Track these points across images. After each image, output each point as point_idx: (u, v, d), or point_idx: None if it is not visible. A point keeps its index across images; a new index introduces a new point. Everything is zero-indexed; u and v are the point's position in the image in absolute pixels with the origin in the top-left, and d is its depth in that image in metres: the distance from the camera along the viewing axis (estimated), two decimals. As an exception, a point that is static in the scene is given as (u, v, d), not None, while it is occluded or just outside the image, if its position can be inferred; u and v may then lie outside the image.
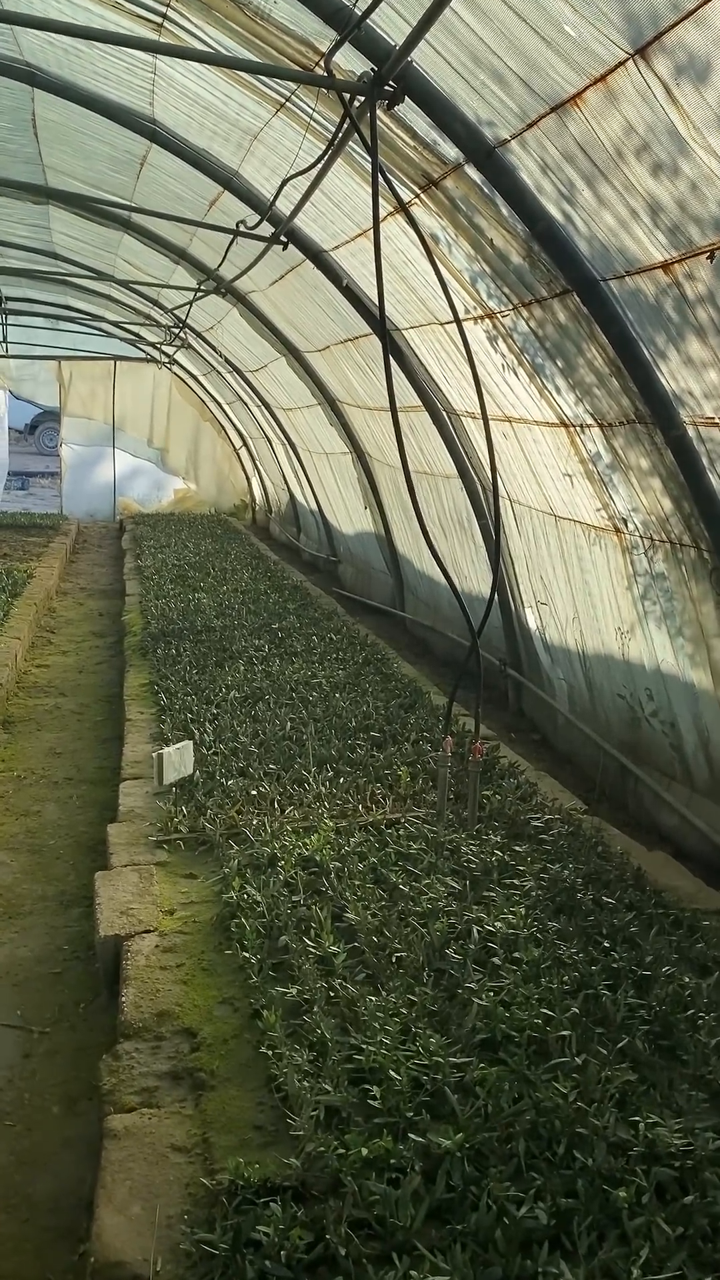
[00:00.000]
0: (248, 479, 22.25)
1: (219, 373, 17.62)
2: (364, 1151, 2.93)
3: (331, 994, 3.74)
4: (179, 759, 5.40)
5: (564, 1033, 3.49)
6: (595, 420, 5.34)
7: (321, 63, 4.26)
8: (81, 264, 14.34)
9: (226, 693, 7.64)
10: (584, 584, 6.62)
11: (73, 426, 22.04)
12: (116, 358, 21.44)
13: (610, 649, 6.51)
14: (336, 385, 11.04)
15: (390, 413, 4.22)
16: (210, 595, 11.67)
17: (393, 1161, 2.94)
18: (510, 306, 5.37)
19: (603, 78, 3.45)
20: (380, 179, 4.81)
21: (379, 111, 4.11)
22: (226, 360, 15.51)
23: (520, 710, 8.70)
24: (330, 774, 6.01)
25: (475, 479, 8.25)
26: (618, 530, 5.88)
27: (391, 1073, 3.26)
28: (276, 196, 6.24)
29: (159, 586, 12.25)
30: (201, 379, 20.18)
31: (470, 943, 4.10)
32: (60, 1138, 3.63)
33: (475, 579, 9.15)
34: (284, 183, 5.97)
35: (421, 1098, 3.22)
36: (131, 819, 5.55)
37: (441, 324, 6.54)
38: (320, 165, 5.33)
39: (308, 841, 4.93)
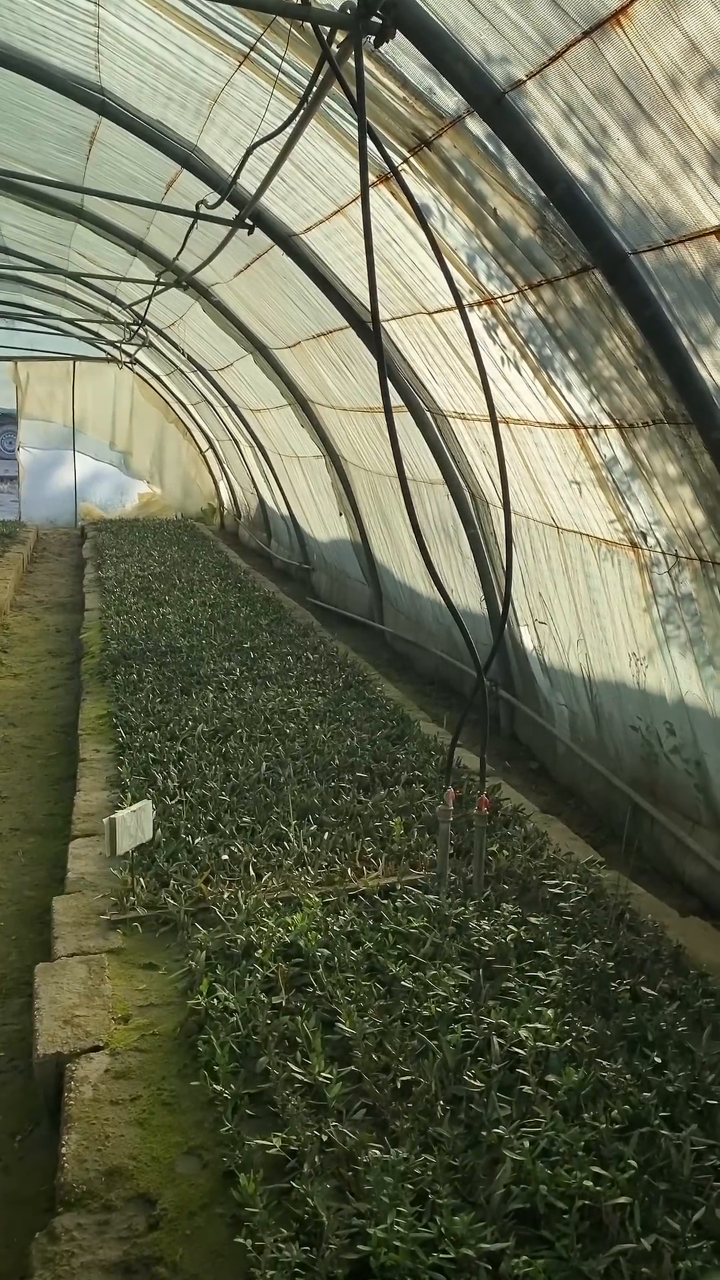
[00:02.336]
0: (215, 483, 21.44)
1: (183, 372, 16.81)
2: None
3: (326, 1143, 2.99)
4: (135, 823, 4.63)
5: (621, 1199, 2.75)
6: (613, 420, 4.61)
7: (293, -8, 3.51)
8: (33, 258, 13.49)
9: (194, 726, 6.86)
10: (591, 603, 5.90)
11: (31, 429, 21.14)
12: (76, 357, 20.58)
13: (622, 676, 5.79)
14: (308, 384, 10.27)
15: (385, 415, 3.46)
16: (176, 610, 10.87)
17: None
18: (514, 290, 4.63)
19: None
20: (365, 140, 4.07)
21: (365, 51, 3.35)
22: (190, 359, 14.70)
23: (513, 735, 7.98)
24: (313, 827, 5.25)
25: (463, 485, 7.52)
26: (634, 545, 5.16)
27: (407, 1272, 2.51)
28: (241, 167, 5.47)
29: (121, 600, 11.44)
30: (165, 379, 19.36)
31: (492, 1060, 3.35)
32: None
33: (462, 592, 8.42)
34: (249, 151, 5.20)
35: (447, 1304, 2.47)
36: (81, 889, 4.77)
37: (430, 313, 5.79)
38: (292, 127, 4.57)
39: (290, 921, 4.17)
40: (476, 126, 3.89)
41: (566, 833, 5.57)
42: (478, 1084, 3.21)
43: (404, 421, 7.97)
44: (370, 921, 4.26)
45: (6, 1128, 3.64)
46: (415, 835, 5.19)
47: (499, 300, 4.81)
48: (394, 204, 5.03)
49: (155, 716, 7.17)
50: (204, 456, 21.26)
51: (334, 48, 3.51)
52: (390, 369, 7.45)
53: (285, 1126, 3.07)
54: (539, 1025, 3.47)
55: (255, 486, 16.78)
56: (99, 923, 4.42)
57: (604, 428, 4.74)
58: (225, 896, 4.48)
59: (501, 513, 6.89)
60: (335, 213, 5.85)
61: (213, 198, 6.82)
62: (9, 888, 5.50)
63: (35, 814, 6.49)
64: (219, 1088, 3.21)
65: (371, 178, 5.06)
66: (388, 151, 4.59)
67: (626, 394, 4.34)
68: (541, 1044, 3.38)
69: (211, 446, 20.05)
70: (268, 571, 15.07)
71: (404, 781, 5.95)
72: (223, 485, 20.79)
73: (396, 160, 4.66)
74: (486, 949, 4.04)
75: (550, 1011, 3.56)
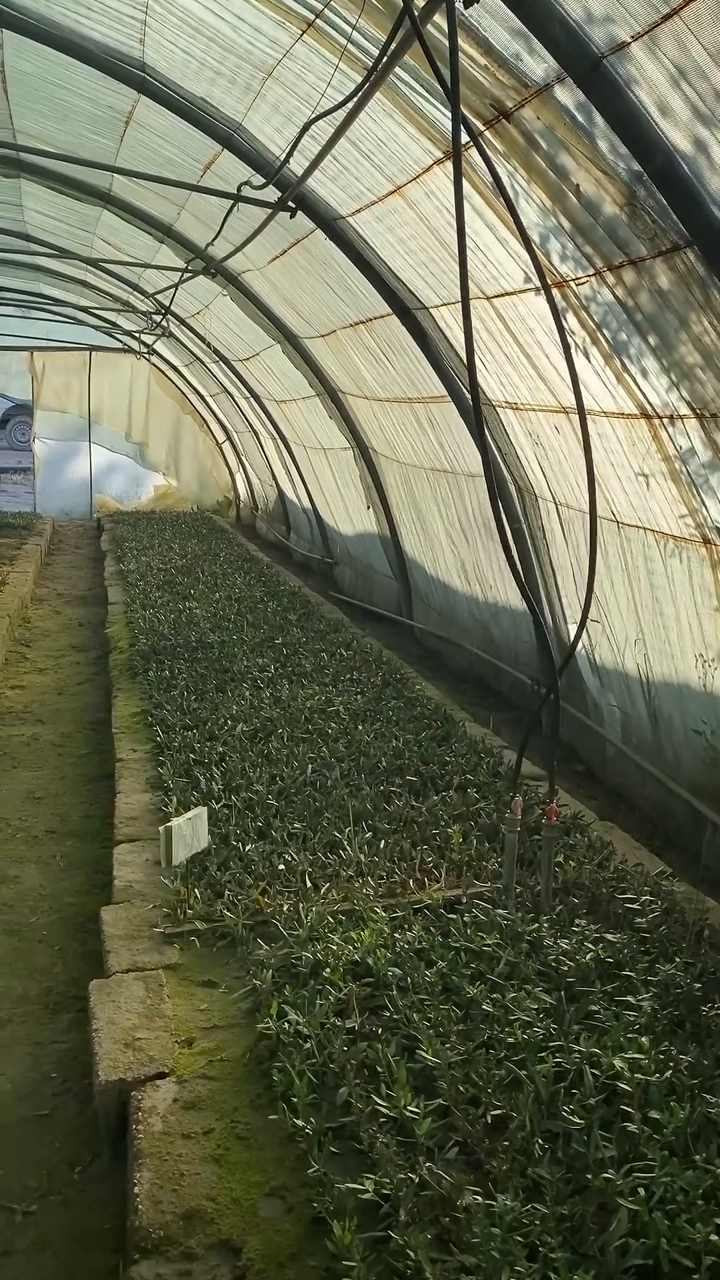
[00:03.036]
0: (231, 475, 21.20)
1: (203, 362, 16.57)
2: None
3: (420, 1186, 2.76)
4: (191, 831, 4.41)
5: (753, 1256, 2.52)
6: (694, 410, 4.38)
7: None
8: (56, 245, 13.26)
9: (232, 726, 6.64)
10: (653, 601, 5.66)
11: (46, 420, 20.92)
12: (92, 348, 20.34)
13: (687, 678, 5.56)
14: (340, 374, 10.03)
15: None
16: (203, 604, 10.65)
17: None
18: (591, 271, 4.39)
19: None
20: (429, 114, 3.86)
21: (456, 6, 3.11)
22: (212, 349, 14.47)
23: (556, 735, 7.75)
24: (367, 834, 5.03)
25: (510, 478, 7.28)
26: (708, 542, 4.92)
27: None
28: (295, 145, 5.24)
29: (145, 594, 11.22)
30: (183, 369, 19.12)
31: (586, 1093, 3.13)
32: None
33: (502, 588, 8.19)
34: (305, 126, 4.97)
35: None
36: (130, 900, 4.55)
37: (489, 298, 5.55)
38: (356, 99, 4.33)
39: (356, 938, 3.94)
40: (566, 95, 3.65)
41: (629, 841, 5.34)
42: (577, 1120, 2.99)
43: (445, 413, 7.75)
44: (439, 938, 4.03)
45: (64, 1157, 3.43)
46: (475, 844, 4.96)
47: (572, 283, 4.57)
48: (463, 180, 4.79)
49: (191, 715, 6.95)
50: (220, 449, 21.03)
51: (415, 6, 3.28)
52: (435, 357, 7.21)
53: (373, 1166, 2.85)
54: (634, 1055, 3.25)
55: (275, 479, 16.54)
56: (152, 936, 4.20)
57: (682, 417, 4.51)
58: (284, 909, 4.26)
59: (551, 506, 6.69)
60: (391, 193, 5.60)
61: (255, 180, 6.59)
62: (49, 894, 5.29)
63: (71, 815, 6.28)
64: (299, 1122, 2.99)
65: (437, 153, 4.81)
66: (461, 123, 4.36)
67: (712, 381, 4.10)
68: (639, 1075, 3.16)
69: (229, 438, 19.82)
70: (288, 565, 14.84)
71: (456, 786, 5.73)
72: (239, 478, 20.56)
73: (466, 137, 4.41)
74: (566, 969, 3.81)
75: (644, 1039, 3.33)
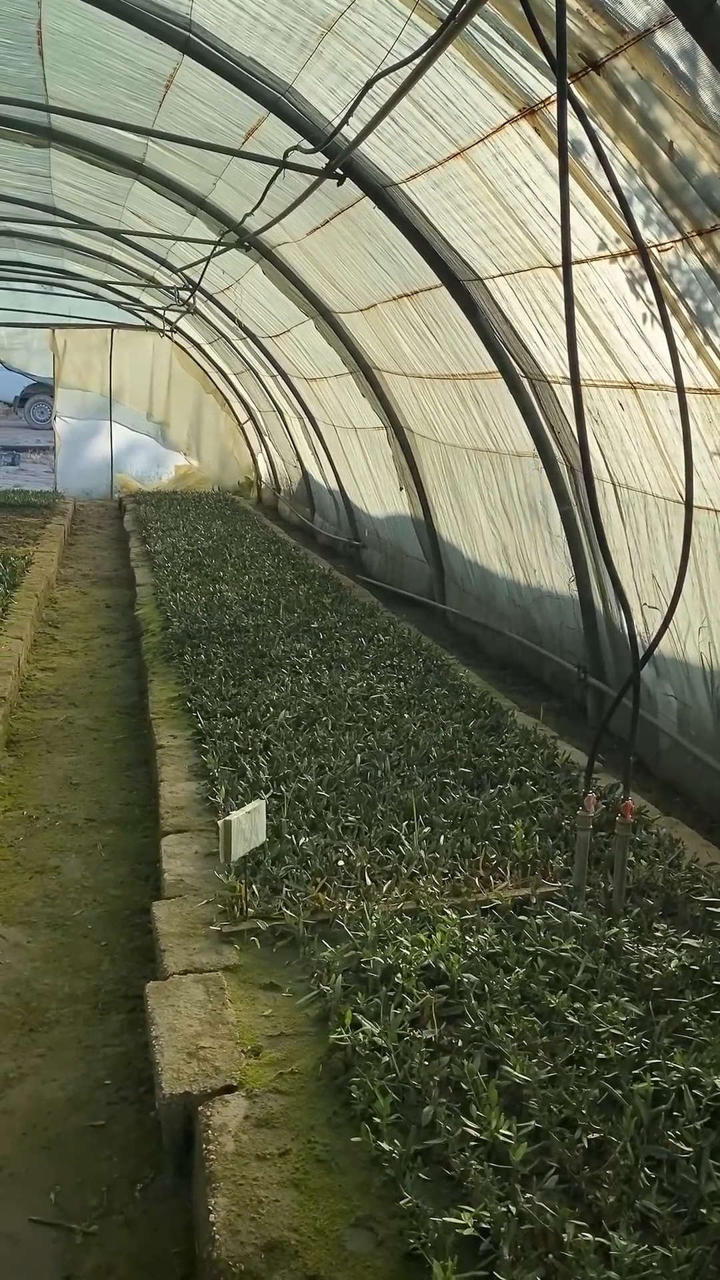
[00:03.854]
0: (253, 455, 20.94)
1: (228, 340, 16.30)
2: None
3: (521, 1219, 2.55)
4: (249, 825, 4.19)
5: None
6: (783, 385, 4.12)
7: None
8: (83, 219, 12.98)
9: (274, 713, 6.42)
10: (722, 588, 5.42)
11: (67, 399, 20.69)
12: (114, 325, 20.09)
13: (756, 668, 5.32)
14: (378, 350, 9.77)
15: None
16: (233, 587, 10.42)
17: None
18: (678, 236, 4.13)
19: None
20: (507, 68, 3.60)
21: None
22: (240, 325, 14.19)
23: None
24: (425, 830, 4.80)
25: (559, 458, 7.03)
26: (788, 525, 4.67)
27: None
28: (355, 105, 4.98)
29: (174, 576, 11.00)
30: (206, 347, 18.85)
31: (690, 1116, 2.91)
32: None
33: (547, 573, 7.94)
34: (369, 84, 4.71)
35: None
36: (182, 895, 4.34)
37: (554, 267, 5.29)
38: (428, 51, 4.07)
39: (425, 940, 3.73)
40: (668, 41, 3.39)
41: (696, 838, 5.11)
42: (685, 1147, 2.77)
43: (493, 390, 7.49)
44: (513, 941, 3.81)
45: (124, 1172, 3.23)
46: (538, 841, 4.74)
47: (654, 249, 4.31)
48: (535, 141, 4.53)
49: (231, 701, 6.73)
50: (243, 428, 20.77)
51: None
52: (485, 331, 6.95)
53: (466, 1196, 2.64)
54: (738, 1074, 3.02)
55: (299, 459, 16.29)
56: (208, 934, 3.99)
57: (768, 394, 4.25)
58: (346, 908, 4.04)
59: (610, 488, 6.43)
60: (453, 156, 5.33)
61: (304, 145, 6.33)
62: (92, 886, 5.09)
63: (110, 803, 6.08)
64: (384, 1145, 2.78)
65: (512, 111, 4.55)
66: (529, 82, 4.11)
67: None
68: (746, 1098, 2.94)
69: (251, 418, 19.56)
70: (313, 547, 14.60)
71: (512, 779, 5.50)
72: (261, 458, 20.30)
73: (544, 91, 4.15)
74: (651, 978, 3.59)
75: (745, 1056, 3.11)
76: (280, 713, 6.41)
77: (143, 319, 19.38)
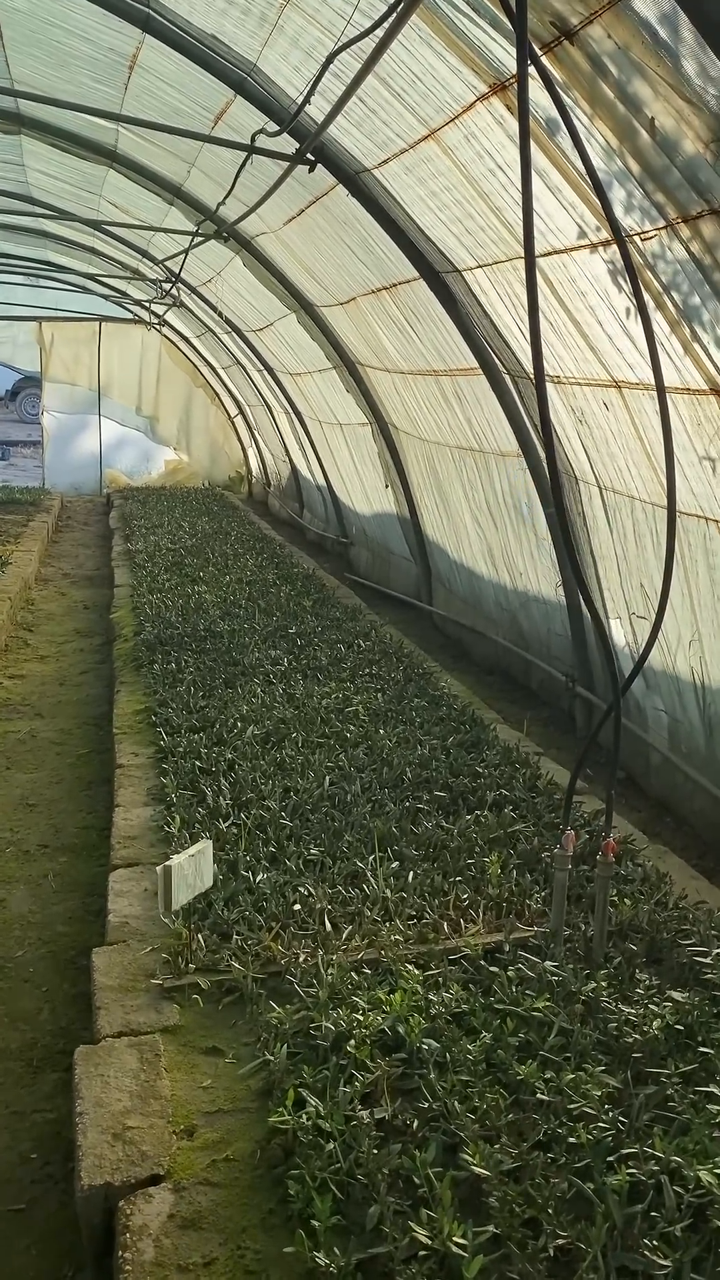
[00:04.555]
0: (243, 450, 20.58)
1: (215, 333, 15.93)
2: None
3: None
4: (193, 870, 3.85)
5: None
6: (777, 385, 3.78)
7: None
8: (60, 208, 12.61)
9: (242, 728, 6.08)
10: (714, 599, 5.08)
11: (55, 393, 20.30)
12: (102, 318, 19.72)
13: (750, 685, 4.98)
14: (359, 345, 9.41)
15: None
16: (212, 588, 10.08)
17: None
18: (661, 224, 3.78)
19: None
20: (475, 39, 3.26)
21: None
22: (224, 319, 13.82)
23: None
24: (393, 864, 4.47)
25: (544, 458, 6.67)
26: (783, 535, 4.33)
27: None
28: (316, 81, 4.62)
29: (153, 577, 10.66)
30: (194, 341, 18.47)
31: (668, 1216, 2.58)
32: None
33: (532, 577, 7.60)
34: (330, 57, 4.35)
35: None
36: (126, 940, 4.01)
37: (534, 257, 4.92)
38: (391, 20, 3.72)
39: (384, 1000, 3.39)
40: (647, 6, 3.04)
41: (685, 869, 4.78)
42: (662, 1261, 2.44)
43: (475, 387, 7.14)
44: (480, 998, 3.48)
45: (42, 1269, 2.90)
46: (515, 876, 4.40)
47: (637, 237, 3.95)
48: (508, 120, 4.17)
49: (198, 714, 6.40)
50: (233, 423, 20.40)
51: None
52: (465, 326, 6.60)
53: (413, 1320, 2.31)
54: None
55: (288, 455, 15.93)
56: (149, 989, 3.66)
57: (762, 395, 3.91)
58: (301, 960, 3.71)
59: (595, 490, 6.09)
60: (424, 138, 4.97)
61: (270, 128, 5.97)
62: (38, 921, 4.76)
63: (66, 826, 5.75)
64: (320, 1257, 2.45)
65: (482, 88, 4.19)
66: (500, 55, 3.75)
67: None
68: (733, 1195, 2.60)
69: (241, 412, 19.20)
70: (301, 544, 14.25)
71: (490, 804, 5.16)
72: (252, 453, 19.95)
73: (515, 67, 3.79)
74: (630, 1041, 3.26)
75: (733, 1141, 2.78)
76: (248, 728, 6.08)
77: (131, 312, 19.02)
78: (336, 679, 7.15)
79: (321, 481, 13.75)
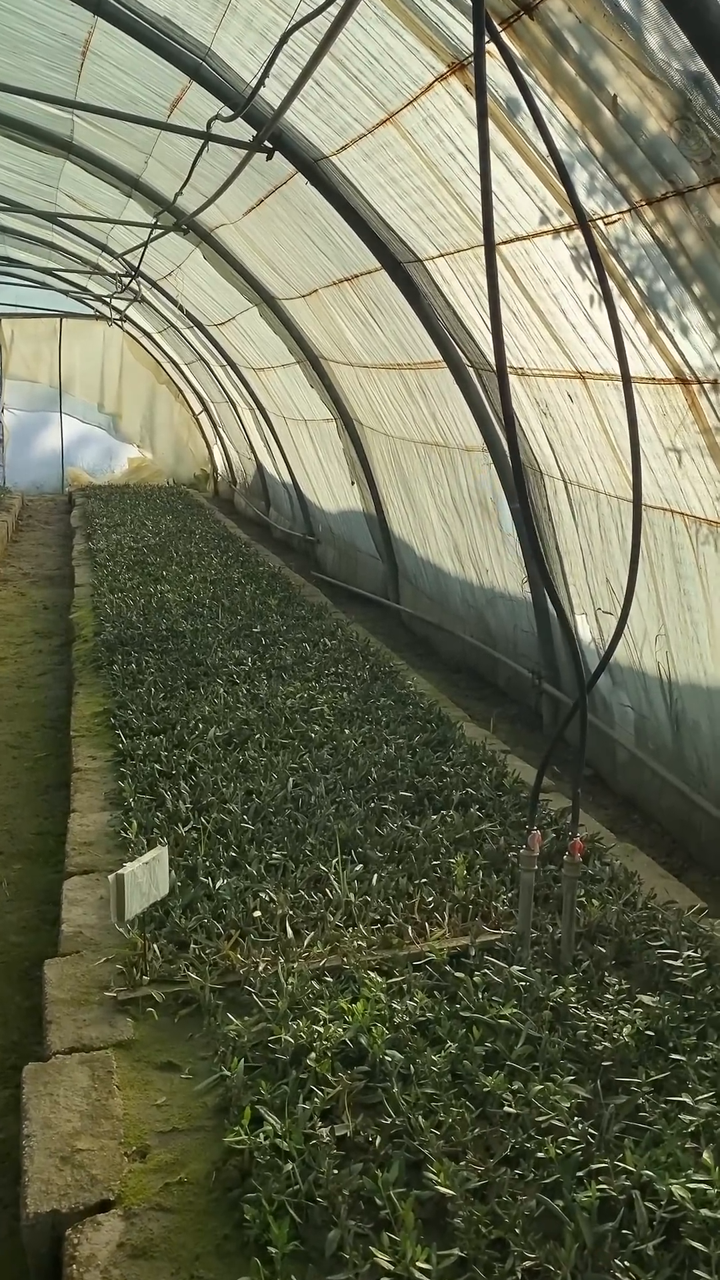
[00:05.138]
0: (208, 447, 20.41)
1: (176, 328, 15.75)
2: None
3: None
4: (147, 878, 3.71)
5: None
6: (744, 373, 3.69)
7: None
8: (16, 202, 12.39)
9: (204, 730, 5.95)
10: (680, 593, 4.99)
11: (16, 390, 20.06)
12: (63, 314, 19.50)
13: (718, 680, 4.90)
14: (322, 338, 9.28)
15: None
16: (175, 587, 9.92)
17: None
18: (625, 207, 3.68)
19: None
20: (432, 15, 3.16)
21: None
22: (186, 313, 13.66)
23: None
24: (357, 867, 4.35)
25: (509, 452, 6.57)
26: (751, 527, 4.25)
27: None
28: (273, 58, 4.50)
29: (114, 576, 10.49)
30: (157, 336, 18.28)
31: (640, 1234, 2.47)
32: None
33: (499, 574, 7.51)
34: (284, 37, 4.23)
35: None
36: (80, 949, 3.87)
37: (496, 244, 4.81)
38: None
39: (346, 1010, 3.27)
40: (609, -24, 2.94)
41: (654, 868, 4.69)
42: (635, 1283, 2.33)
43: (439, 380, 7.04)
44: (446, 1006, 3.37)
45: (-14, 1302, 2.76)
46: (481, 877, 4.30)
47: (601, 221, 3.85)
48: (467, 102, 4.06)
49: (159, 716, 6.25)
50: (197, 420, 20.22)
51: None
52: (428, 317, 6.49)
53: None
54: (697, 1180, 2.59)
55: (253, 451, 15.78)
56: (103, 1001, 3.52)
57: (728, 383, 3.82)
58: (260, 969, 3.58)
59: (560, 485, 6.00)
60: (383, 122, 4.85)
61: (224, 112, 5.84)
62: (-10, 932, 4.60)
63: (22, 832, 5.59)
64: (277, 1285, 2.33)
65: (441, 67, 4.08)
66: (457, 33, 3.64)
67: (772, 339, 3.41)
68: (706, 1211, 2.50)
69: (205, 409, 19.03)
70: (268, 542, 14.11)
71: (456, 803, 5.06)
72: (217, 450, 19.78)
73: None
74: (600, 1049, 3.16)
75: (706, 1154, 2.68)
76: (210, 730, 5.94)
77: (91, 308, 18.80)
78: (302, 678, 7.03)
79: (287, 479, 13.61)
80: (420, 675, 7.63)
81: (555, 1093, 2.94)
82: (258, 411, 13.80)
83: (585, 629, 6.27)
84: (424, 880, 4.27)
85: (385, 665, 7.51)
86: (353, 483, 10.57)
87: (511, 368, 5.76)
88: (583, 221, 2.90)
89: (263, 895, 4.07)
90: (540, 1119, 2.85)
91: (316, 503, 12.61)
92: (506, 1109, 2.89)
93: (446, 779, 5.33)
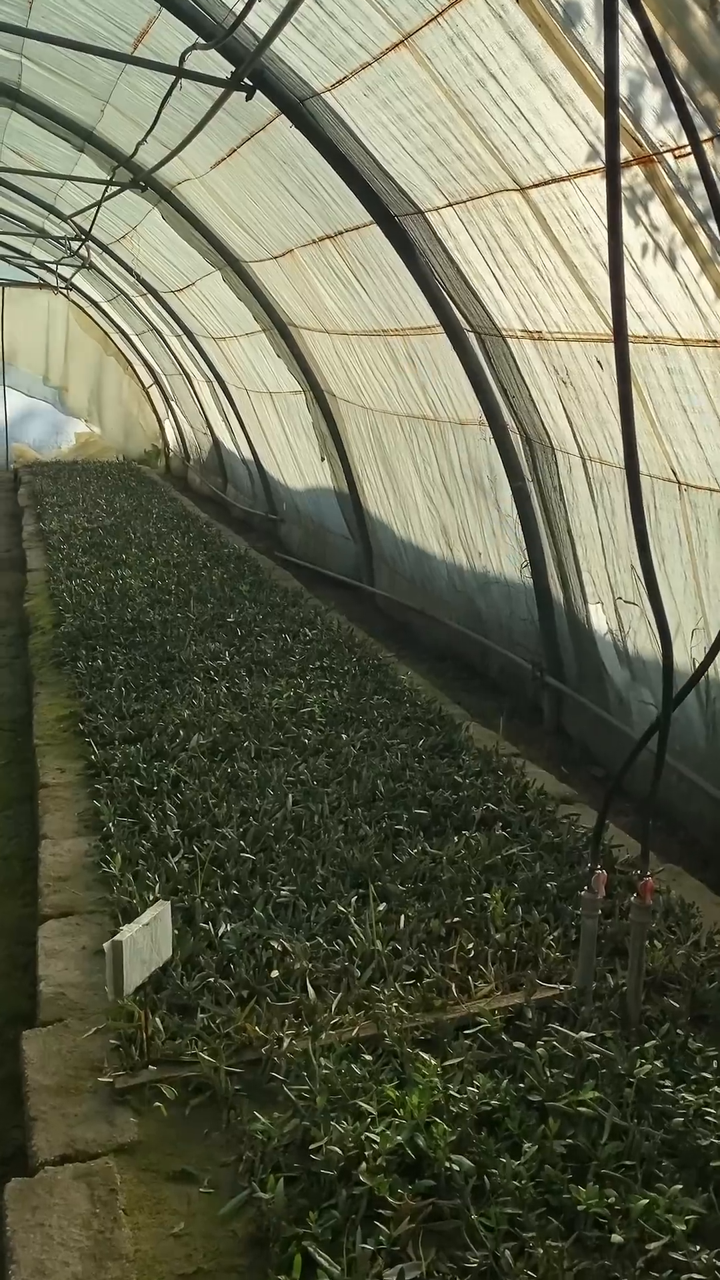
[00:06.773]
0: (159, 422, 19.60)
1: (127, 297, 14.94)
2: None
3: None
4: (149, 941, 3.11)
5: None
6: None
7: None
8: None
9: (186, 737, 5.34)
10: (725, 584, 4.48)
11: (-44, 363, 19.11)
12: (6, 283, 18.55)
13: (766, 681, 4.40)
14: (294, 303, 8.63)
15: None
16: (137, 572, 9.25)
17: None
18: (707, 135, 3.11)
19: None
20: None
21: None
22: (139, 279, 12.88)
23: (560, 729, 6.58)
24: (380, 906, 3.78)
25: (512, 426, 6.02)
26: None
27: None
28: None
29: (70, 560, 9.79)
30: (105, 306, 17.42)
31: None
32: None
33: (495, 557, 6.96)
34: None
35: None
36: (64, 1018, 3.26)
37: (523, 189, 4.22)
38: None
39: (395, 1099, 2.71)
40: None
41: (705, 893, 4.19)
42: None
43: (431, 346, 6.45)
44: (511, 1089, 2.82)
45: None
46: (521, 914, 3.76)
47: (665, 156, 3.28)
48: (511, 10, 3.45)
49: (133, 720, 5.63)
50: (147, 393, 19.41)
51: None
52: (423, 276, 5.90)
53: None
54: None
55: (209, 426, 15.06)
56: (97, 1089, 2.93)
57: None
58: (284, 1045, 3.00)
59: (578, 461, 5.45)
60: (395, 46, 4.21)
61: (199, 41, 5.18)
62: (-53, 981, 3.97)
63: (-18, 858, 4.95)
64: None
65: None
66: None
67: None
68: None
69: (156, 382, 18.23)
70: (227, 521, 13.43)
71: (478, 821, 4.51)
72: (169, 425, 18.99)
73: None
74: (705, 1145, 2.63)
75: None
76: (193, 736, 5.34)
77: (36, 275, 17.89)
78: (285, 674, 6.43)
79: (248, 454, 12.94)
80: (407, 666, 7.08)
81: (661, 1207, 2.41)
82: (216, 384, 13.09)
83: (601, 620, 5.74)
84: (456, 919, 3.72)
85: (373, 658, 6.94)
86: (323, 459, 9.95)
87: (526, 331, 5.18)
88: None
89: (275, 944, 3.50)
90: (649, 1249, 2.32)
91: (281, 480, 11.96)
92: (605, 1230, 2.35)
93: (462, 792, 4.79)
